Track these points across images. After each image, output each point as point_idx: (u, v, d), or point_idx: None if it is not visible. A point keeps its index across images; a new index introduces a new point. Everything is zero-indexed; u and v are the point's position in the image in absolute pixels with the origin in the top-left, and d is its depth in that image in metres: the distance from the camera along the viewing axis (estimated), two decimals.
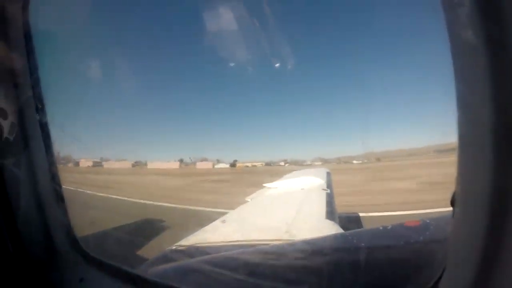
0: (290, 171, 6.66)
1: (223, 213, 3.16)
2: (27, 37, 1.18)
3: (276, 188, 4.73)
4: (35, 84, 1.20)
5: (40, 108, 1.21)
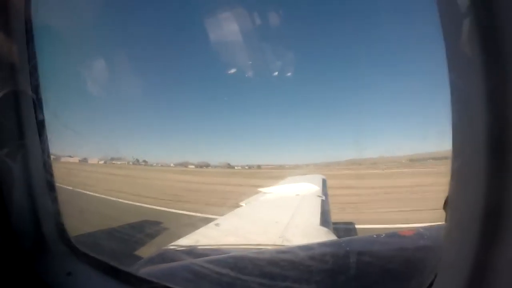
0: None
1: None
2: (28, 30, 1.18)
3: (272, 193, 4.71)
4: (33, 77, 1.20)
5: (36, 102, 1.20)
